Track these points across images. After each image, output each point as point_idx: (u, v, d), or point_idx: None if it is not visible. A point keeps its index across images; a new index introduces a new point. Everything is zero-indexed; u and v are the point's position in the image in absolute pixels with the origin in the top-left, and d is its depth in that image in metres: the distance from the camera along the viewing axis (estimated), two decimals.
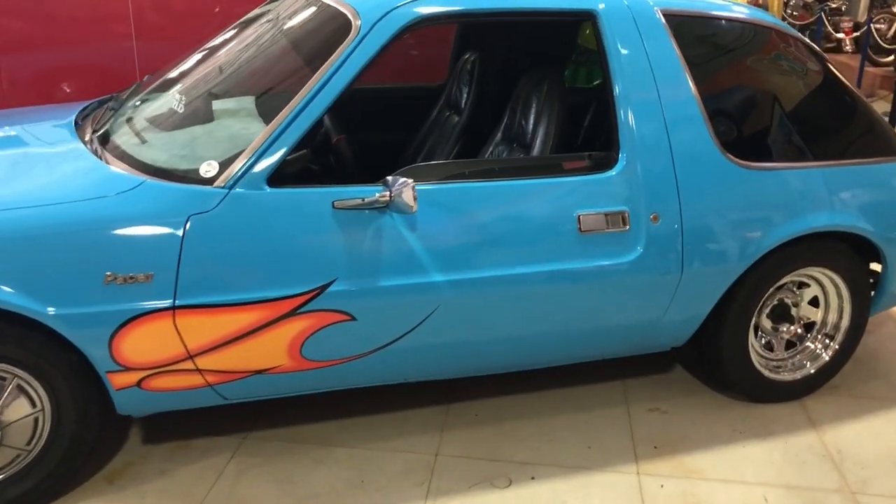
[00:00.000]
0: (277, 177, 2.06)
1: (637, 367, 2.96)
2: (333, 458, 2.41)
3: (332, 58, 2.14)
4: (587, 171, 2.34)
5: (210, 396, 2.16)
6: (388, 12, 2.20)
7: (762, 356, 2.75)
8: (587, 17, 2.42)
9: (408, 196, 2.01)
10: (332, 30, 2.25)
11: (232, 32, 2.69)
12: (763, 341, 2.75)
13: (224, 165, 2.05)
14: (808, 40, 2.78)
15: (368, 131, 3.46)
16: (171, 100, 2.40)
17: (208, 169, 2.05)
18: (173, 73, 2.59)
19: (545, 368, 2.82)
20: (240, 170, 2.03)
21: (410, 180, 2.02)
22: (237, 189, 2.02)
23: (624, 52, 2.37)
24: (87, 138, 2.35)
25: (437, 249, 2.16)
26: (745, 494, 2.32)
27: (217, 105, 2.32)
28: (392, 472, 2.36)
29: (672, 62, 2.42)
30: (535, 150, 2.58)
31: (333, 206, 2.06)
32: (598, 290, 2.34)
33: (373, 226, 2.10)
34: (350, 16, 2.22)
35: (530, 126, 2.66)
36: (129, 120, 2.39)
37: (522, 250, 2.24)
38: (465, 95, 3.18)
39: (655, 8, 2.47)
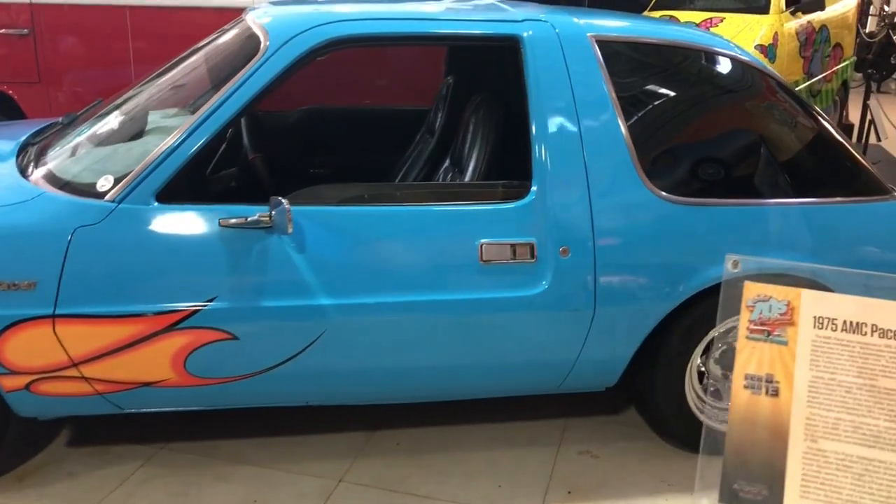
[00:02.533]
0: (168, 193, 2.10)
1: (584, 407, 2.84)
2: (238, 475, 2.42)
3: (235, 77, 2.18)
4: (496, 199, 2.27)
5: (104, 405, 2.22)
6: (297, 34, 2.22)
7: (709, 404, 2.57)
8: (511, 43, 2.36)
9: (281, 217, 2.01)
10: (245, 50, 2.29)
11: (184, 55, 2.78)
12: (712, 388, 2.58)
13: (118, 180, 2.11)
14: (760, 64, 2.60)
15: (366, 152, 3.50)
16: (111, 118, 2.50)
17: (104, 183, 2.12)
18: (124, 93, 2.70)
19: (490, 401, 2.74)
20: (130, 185, 2.09)
21: (286, 202, 2.03)
22: (125, 204, 2.08)
23: (545, 80, 2.30)
24: (24, 153, 2.48)
25: (325, 273, 2.14)
26: None
27: (149, 123, 2.40)
28: (287, 495, 2.34)
29: (598, 92, 2.32)
30: (467, 176, 2.53)
31: (219, 225, 2.08)
32: (501, 323, 2.26)
33: (258, 246, 2.11)
34: (261, 37, 2.26)
35: (466, 151, 2.62)
36: (68, 136, 2.51)
37: (417, 277, 2.19)
38: (439, 119, 3.17)
39: (588, 34, 2.39)
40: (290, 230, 2.03)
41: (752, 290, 1.20)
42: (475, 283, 2.22)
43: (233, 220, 2.08)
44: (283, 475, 2.43)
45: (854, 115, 6.93)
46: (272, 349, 2.17)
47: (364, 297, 2.17)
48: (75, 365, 2.11)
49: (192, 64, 2.56)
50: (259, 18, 2.37)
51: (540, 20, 2.38)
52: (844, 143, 2.60)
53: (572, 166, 2.27)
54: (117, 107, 2.53)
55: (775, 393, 1.13)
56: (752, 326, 1.18)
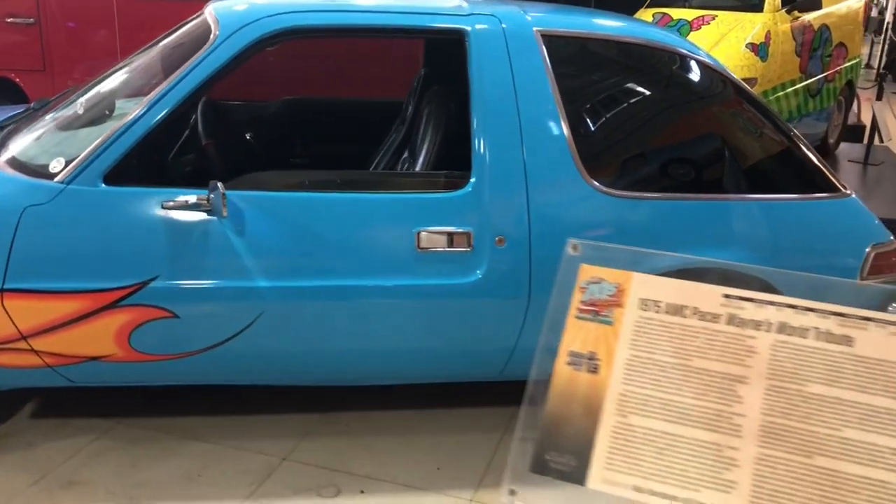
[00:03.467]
0: (115, 175, 2.19)
1: None
2: (187, 450, 2.52)
3: (184, 65, 2.26)
4: (436, 189, 2.33)
5: (55, 377, 2.32)
6: (245, 24, 2.30)
7: None
8: (457, 37, 2.41)
9: (217, 201, 2.10)
10: (198, 40, 2.38)
11: (151, 44, 2.88)
12: None
13: (69, 163, 2.21)
14: (714, 61, 2.62)
15: (346, 142, 3.58)
16: (76, 104, 2.60)
17: (56, 165, 2.22)
18: (92, 81, 2.80)
19: (445, 387, 2.80)
20: (79, 167, 2.18)
21: (221, 186, 2.11)
22: (73, 185, 2.18)
23: (487, 74, 2.35)
24: None
25: (263, 256, 2.22)
26: None
27: (110, 110, 2.50)
28: (232, 471, 2.43)
29: (540, 86, 2.36)
30: (418, 166, 2.59)
31: (162, 207, 2.17)
32: (438, 310, 2.32)
33: (199, 229, 2.19)
34: (213, 26, 2.34)
35: (419, 141, 2.68)
36: (36, 121, 2.62)
37: (354, 263, 2.26)
38: (409, 110, 3.23)
39: (535, 29, 2.43)
40: (224, 213, 2.11)
41: (587, 272, 1.25)
42: (412, 270, 2.27)
43: (173, 203, 2.16)
44: (230, 452, 2.52)
45: (867, 117, 6.84)
46: (212, 329, 2.25)
47: (301, 280, 2.24)
48: (24, 338, 2.21)
49: (155, 52, 2.65)
50: (215, 9, 2.45)
51: (487, 14, 2.43)
52: (796, 140, 2.60)
53: (511, 159, 2.31)
54: (83, 93, 2.63)
55: (595, 370, 1.17)
56: (582, 307, 1.22)
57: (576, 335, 1.20)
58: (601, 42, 2.51)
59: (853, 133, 6.46)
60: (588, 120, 2.43)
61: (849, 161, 5.97)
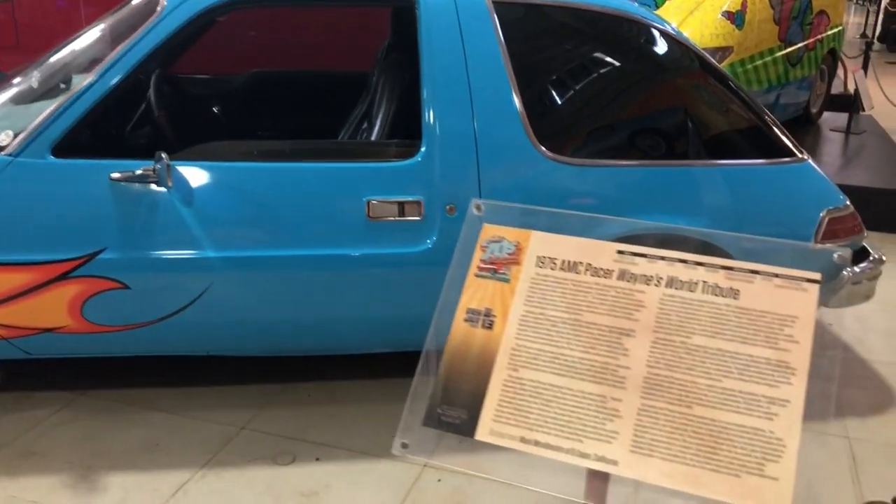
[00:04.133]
0: (64, 147, 2.20)
1: None
2: (147, 421, 2.54)
3: (130, 38, 2.26)
4: (386, 158, 2.33)
5: (11, 350, 2.35)
6: None
7: None
8: (408, 4, 2.41)
9: (161, 172, 2.11)
10: (146, 11, 2.38)
11: (104, 16, 2.87)
12: None
13: (17, 135, 2.22)
14: (671, 28, 2.61)
15: (314, 114, 3.58)
16: (30, 78, 2.60)
17: (4, 138, 2.23)
18: (47, 54, 2.80)
19: (403, 355, 2.81)
20: (27, 140, 2.19)
21: (165, 156, 2.11)
22: (22, 157, 2.19)
23: (438, 42, 2.35)
24: None
25: (211, 226, 2.23)
26: (518, 499, 2.24)
27: (65, 84, 2.51)
28: (189, 440, 2.46)
29: (491, 55, 2.36)
30: (373, 135, 2.60)
31: (110, 178, 2.18)
32: (389, 280, 2.33)
33: (147, 200, 2.21)
34: None
35: (374, 110, 2.68)
36: None
37: (304, 233, 2.27)
38: (372, 82, 3.23)
39: None
40: (169, 184, 2.12)
41: (488, 231, 1.26)
42: (362, 240, 2.29)
43: (120, 174, 2.17)
44: (190, 422, 2.54)
45: (873, 86, 6.79)
46: (163, 299, 2.27)
47: (250, 250, 2.25)
48: None
49: (108, 25, 2.65)
50: None
51: None
52: (751, 103, 2.60)
53: (461, 127, 2.32)
54: (38, 67, 2.64)
55: (490, 326, 1.19)
56: (482, 265, 1.23)
57: (474, 293, 1.22)
58: (555, 9, 2.50)
59: (838, 102, 6.43)
60: (540, 88, 2.42)
61: (831, 130, 5.94)
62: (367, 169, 2.29)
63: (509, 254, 1.22)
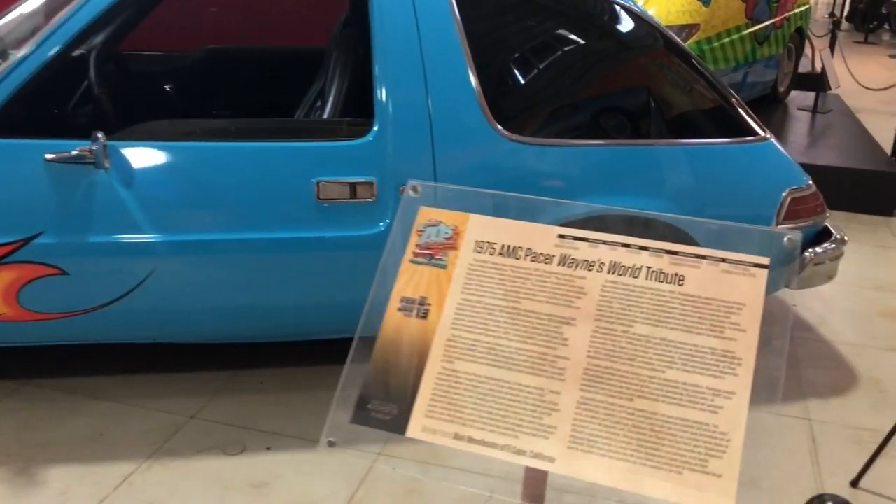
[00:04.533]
0: None
1: None
2: (93, 410, 2.46)
3: (68, 7, 2.15)
4: (337, 137, 2.25)
5: None
6: None
7: None
8: None
9: (98, 152, 2.00)
10: None
11: None
12: None
13: None
14: (634, 5, 2.54)
15: (271, 92, 3.47)
16: None
17: None
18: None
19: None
20: None
21: (101, 136, 2.01)
22: None
23: (390, 16, 2.26)
24: None
25: (154, 209, 2.14)
26: (474, 486, 2.19)
27: (3, 56, 2.38)
28: (136, 430, 2.37)
29: (446, 30, 2.28)
30: (325, 113, 2.51)
31: (45, 159, 2.08)
32: (340, 263, 2.25)
33: (86, 181, 2.10)
34: None
35: (326, 88, 2.59)
36: None
37: (251, 216, 2.18)
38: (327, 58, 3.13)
39: None
40: (106, 165, 2.02)
41: (425, 215, 1.19)
42: (312, 222, 2.21)
43: (55, 155, 2.07)
44: (137, 411, 2.46)
45: (840, 65, 6.80)
46: (104, 286, 2.18)
47: (195, 234, 2.16)
48: None
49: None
50: None
51: None
52: (714, 82, 2.54)
53: (415, 106, 2.24)
54: None
55: (424, 315, 1.12)
56: (417, 250, 1.16)
57: (409, 280, 1.15)
58: None
59: (805, 81, 6.43)
60: (498, 66, 2.35)
61: (799, 109, 5.93)
62: (317, 148, 2.21)
63: (446, 238, 1.15)
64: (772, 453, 2.33)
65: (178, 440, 2.33)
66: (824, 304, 3.37)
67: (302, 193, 2.19)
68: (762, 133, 2.53)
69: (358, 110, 2.48)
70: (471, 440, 1.05)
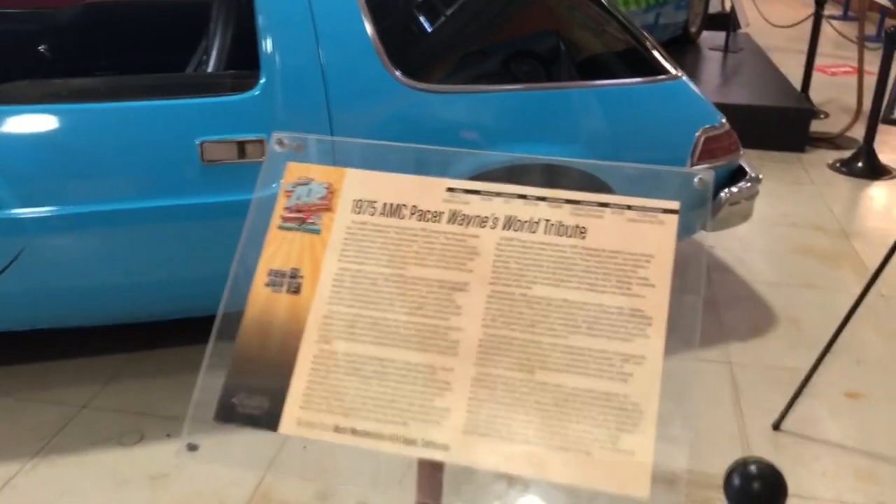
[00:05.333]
0: None
1: None
2: None
3: None
4: (219, 92, 2.05)
5: None
6: None
7: None
8: None
9: None
10: None
11: None
12: None
13: None
14: None
15: (158, 50, 3.21)
16: None
17: None
18: None
19: None
20: None
21: None
22: None
23: None
24: None
25: (18, 182, 1.91)
26: (388, 464, 2.08)
27: None
28: (22, 426, 2.17)
29: None
30: (209, 67, 2.30)
31: None
32: (231, 232, 2.07)
33: None
34: None
35: (210, 42, 2.37)
36: None
37: (128, 183, 1.98)
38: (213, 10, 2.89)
39: None
40: None
41: (293, 172, 1.03)
42: (197, 187, 2.02)
43: None
44: (20, 404, 2.25)
45: (749, 5, 6.81)
46: None
47: (67, 207, 1.95)
48: None
49: None
50: None
51: None
52: (623, 22, 2.43)
53: (304, 56, 2.05)
54: None
55: (297, 289, 0.97)
56: (286, 214, 1.01)
57: (277, 250, 0.99)
58: None
59: (716, 21, 6.42)
60: (396, 11, 2.18)
61: (710, 49, 5.92)
62: (198, 106, 2.01)
63: (320, 198, 1.00)
64: (694, 402, 2.28)
65: (68, 434, 2.14)
66: (741, 244, 3.35)
67: (184, 156, 2.00)
68: (674, 71, 2.44)
69: (246, 63, 2.29)
70: (354, 432, 0.91)
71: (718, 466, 2.00)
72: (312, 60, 2.06)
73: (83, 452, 2.07)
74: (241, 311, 0.99)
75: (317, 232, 0.99)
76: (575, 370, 0.90)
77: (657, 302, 0.91)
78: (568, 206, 0.97)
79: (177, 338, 2.56)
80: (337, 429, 0.91)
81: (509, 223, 0.98)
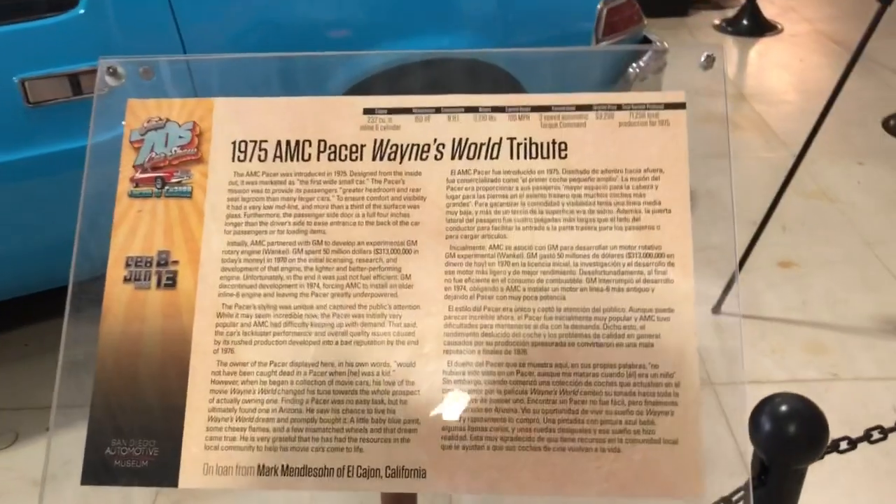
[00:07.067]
0: None
1: None
2: None
3: None
4: (35, 15, 1.65)
5: None
6: None
7: None
8: None
9: None
10: None
11: None
12: None
13: None
14: None
15: None
16: None
17: None
18: None
19: None
20: None
21: None
22: None
23: None
24: None
25: None
26: None
27: None
28: None
29: None
30: None
31: None
32: (74, 186, 1.71)
33: None
34: None
35: None
36: None
37: None
38: None
39: None
40: None
41: (138, 111, 0.72)
42: (23, 137, 1.65)
43: None
44: None
45: None
46: None
47: None
48: None
49: None
50: None
51: None
52: None
53: None
54: None
55: (171, 281, 0.69)
56: (138, 176, 0.71)
57: (134, 228, 0.70)
58: None
59: None
60: None
61: None
62: (11, 34, 1.62)
63: (183, 146, 0.70)
64: None
65: None
66: None
67: (5, 100, 1.62)
68: None
69: None
70: (287, 471, 0.65)
71: None
72: None
73: None
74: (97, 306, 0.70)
75: (187, 195, 0.69)
76: (581, 340, 0.66)
77: (677, 232, 0.68)
78: (536, 116, 0.70)
79: (40, 313, 2.21)
80: (262, 469, 0.65)
81: (460, 149, 0.70)
